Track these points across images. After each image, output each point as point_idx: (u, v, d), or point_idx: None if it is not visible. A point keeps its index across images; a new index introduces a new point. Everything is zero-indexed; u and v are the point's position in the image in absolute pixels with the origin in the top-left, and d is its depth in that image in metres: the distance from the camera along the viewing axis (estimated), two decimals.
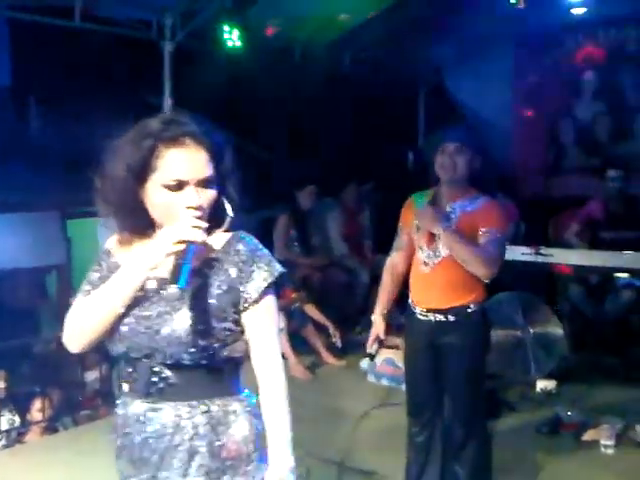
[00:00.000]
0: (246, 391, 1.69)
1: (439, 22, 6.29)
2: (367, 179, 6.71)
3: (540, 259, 4.87)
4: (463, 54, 6.95)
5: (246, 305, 1.61)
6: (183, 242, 1.52)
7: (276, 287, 1.66)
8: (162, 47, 5.52)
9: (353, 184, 6.53)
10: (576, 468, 3.66)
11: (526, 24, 6.66)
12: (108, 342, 1.65)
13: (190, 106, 1.74)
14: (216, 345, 1.59)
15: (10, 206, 4.97)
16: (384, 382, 4.86)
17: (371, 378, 4.95)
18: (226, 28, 5.71)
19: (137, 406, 1.65)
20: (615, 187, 5.28)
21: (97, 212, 1.67)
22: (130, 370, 1.65)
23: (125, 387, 1.68)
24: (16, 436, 4.24)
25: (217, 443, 1.61)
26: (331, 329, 5.37)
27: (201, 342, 1.57)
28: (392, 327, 3.29)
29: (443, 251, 2.94)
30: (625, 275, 4.90)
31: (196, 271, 1.58)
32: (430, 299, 2.99)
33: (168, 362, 1.59)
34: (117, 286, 1.58)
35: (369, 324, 3.17)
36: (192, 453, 1.61)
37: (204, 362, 1.59)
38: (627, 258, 4.71)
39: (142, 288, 1.59)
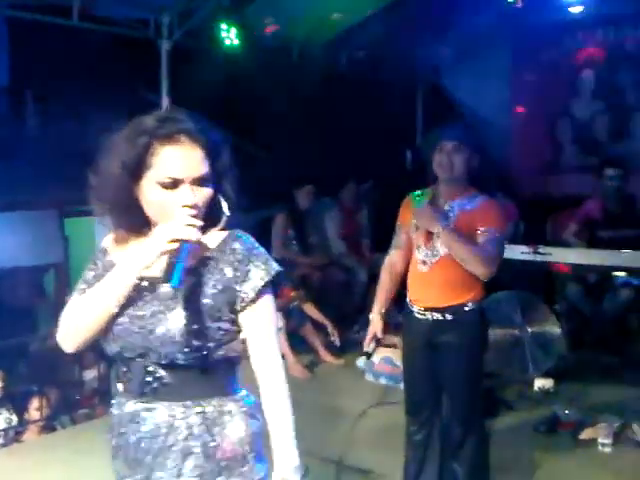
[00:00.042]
0: (243, 391, 1.68)
1: (437, 21, 6.29)
2: (365, 178, 6.71)
3: (538, 258, 4.86)
4: (461, 53, 6.96)
5: (243, 305, 1.60)
6: (177, 241, 1.51)
7: (273, 286, 1.64)
8: (159, 46, 5.52)
9: (351, 183, 6.54)
10: (574, 467, 3.66)
11: (524, 23, 6.67)
12: (103, 341, 1.64)
13: (188, 105, 1.73)
14: (211, 345, 1.58)
15: (7, 204, 4.97)
16: (382, 381, 4.86)
17: (369, 377, 4.95)
18: (223, 27, 5.71)
19: (131, 406, 1.63)
20: (613, 186, 5.27)
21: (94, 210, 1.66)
22: (125, 370, 1.64)
23: (120, 387, 1.67)
24: (14, 435, 4.24)
25: (212, 444, 1.60)
26: (329, 328, 5.37)
27: (195, 342, 1.56)
28: (390, 326, 3.29)
29: (441, 250, 2.93)
30: (623, 274, 4.90)
31: (191, 270, 1.57)
32: (428, 298, 2.99)
33: (162, 362, 1.58)
34: (110, 285, 1.57)
35: (367, 323, 3.16)
36: (186, 454, 1.59)
37: (198, 362, 1.58)
38: (625, 257, 4.71)
39: (136, 287, 1.58)
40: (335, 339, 5.33)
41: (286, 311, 5.19)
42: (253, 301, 1.60)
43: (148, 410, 1.61)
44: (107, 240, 1.73)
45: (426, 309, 2.99)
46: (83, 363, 4.65)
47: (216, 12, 5.61)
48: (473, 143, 2.99)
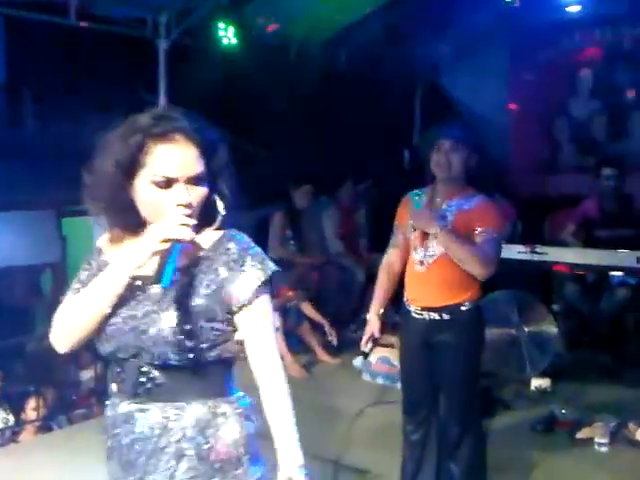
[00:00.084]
0: (239, 392, 1.66)
1: (435, 19, 6.29)
2: (363, 177, 6.70)
3: (536, 258, 4.87)
4: (459, 52, 6.96)
5: (240, 305, 1.58)
6: (170, 240, 1.49)
7: (270, 286, 1.63)
8: (157, 45, 5.50)
9: (349, 183, 6.53)
10: (571, 466, 3.66)
11: (522, 22, 6.67)
12: (97, 342, 1.63)
13: (185, 104, 1.71)
14: (204, 345, 1.56)
15: (5, 204, 4.95)
16: (379, 380, 4.86)
17: (366, 376, 4.94)
18: (221, 26, 5.71)
19: (125, 407, 1.62)
20: (610, 185, 5.27)
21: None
22: (119, 370, 1.62)
23: (114, 387, 1.65)
24: (10, 435, 4.23)
25: (205, 446, 1.58)
26: (327, 327, 5.36)
27: (188, 342, 1.54)
28: (387, 325, 3.28)
29: (438, 250, 2.93)
30: (620, 273, 4.90)
31: (184, 270, 1.56)
32: (425, 297, 2.99)
33: (155, 362, 1.57)
34: (103, 285, 1.56)
35: (364, 322, 3.16)
36: (179, 456, 1.58)
37: (192, 363, 1.56)
38: (622, 256, 4.71)
39: (129, 287, 1.56)
40: (332, 339, 5.32)
41: (283, 311, 5.19)
42: (250, 301, 1.58)
43: (142, 411, 1.60)
44: (102, 240, 1.71)
45: (423, 309, 2.99)
46: (80, 363, 4.64)
47: (214, 11, 5.60)
48: (471, 142, 2.99)
